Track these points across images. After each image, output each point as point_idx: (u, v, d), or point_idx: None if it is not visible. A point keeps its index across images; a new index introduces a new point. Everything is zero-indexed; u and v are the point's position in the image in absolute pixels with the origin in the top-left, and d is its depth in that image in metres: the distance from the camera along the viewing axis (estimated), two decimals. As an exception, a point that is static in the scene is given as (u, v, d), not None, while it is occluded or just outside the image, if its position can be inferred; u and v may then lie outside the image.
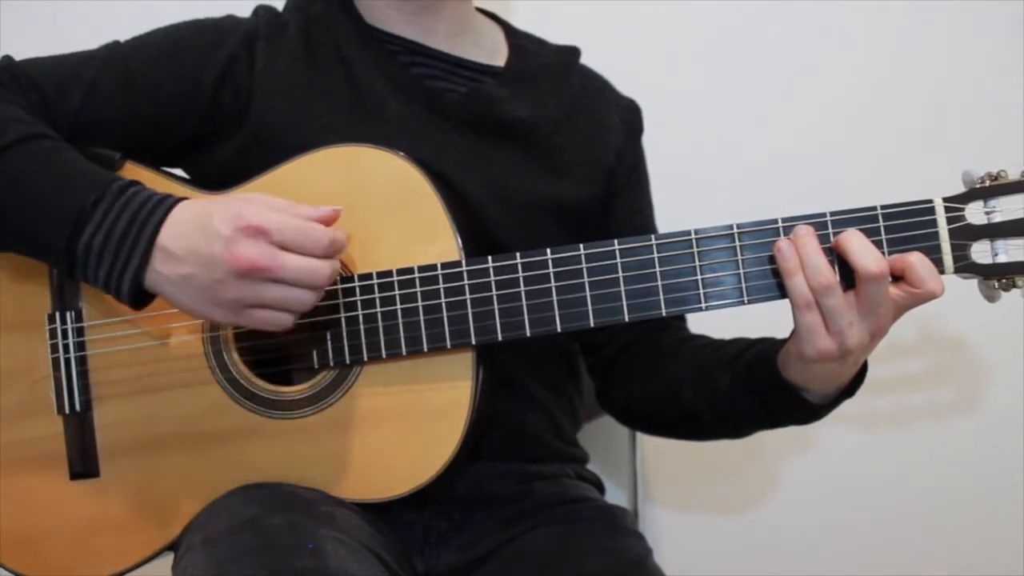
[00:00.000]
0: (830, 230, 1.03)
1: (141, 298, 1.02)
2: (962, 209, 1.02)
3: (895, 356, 1.75)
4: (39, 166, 1.04)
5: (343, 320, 1.08)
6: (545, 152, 1.25)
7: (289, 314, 1.01)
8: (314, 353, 1.09)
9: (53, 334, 1.14)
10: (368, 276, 1.08)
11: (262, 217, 0.97)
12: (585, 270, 1.06)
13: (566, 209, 1.24)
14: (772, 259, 1.03)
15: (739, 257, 1.04)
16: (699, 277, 1.05)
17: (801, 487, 1.83)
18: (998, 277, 1.02)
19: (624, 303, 1.05)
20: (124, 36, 1.19)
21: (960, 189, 1.04)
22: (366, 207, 1.09)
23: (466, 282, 1.07)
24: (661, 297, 1.05)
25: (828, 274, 0.99)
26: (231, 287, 0.98)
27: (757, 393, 1.13)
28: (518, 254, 1.07)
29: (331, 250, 1.00)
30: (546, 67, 1.30)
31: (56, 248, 1.02)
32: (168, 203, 1.01)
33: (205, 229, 0.98)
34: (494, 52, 1.30)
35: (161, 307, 1.08)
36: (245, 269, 0.96)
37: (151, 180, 1.15)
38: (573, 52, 1.35)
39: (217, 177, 1.15)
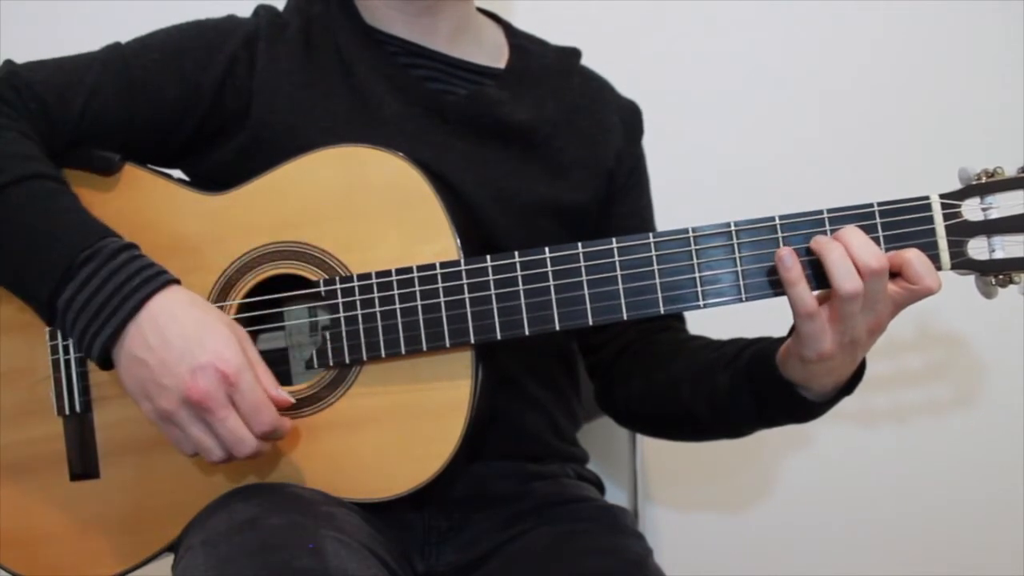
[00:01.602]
0: (827, 227, 1.03)
1: (110, 363, 1.03)
2: (959, 206, 1.02)
3: (893, 353, 1.75)
4: (35, 211, 1.04)
5: (342, 320, 1.08)
6: (545, 154, 1.25)
7: (193, 451, 1.03)
8: (313, 353, 1.10)
9: (53, 335, 1.14)
10: (367, 276, 1.08)
11: (238, 371, 1.00)
12: (583, 268, 1.06)
13: (566, 210, 1.24)
14: (770, 257, 1.03)
15: (736, 255, 1.04)
16: (697, 275, 1.05)
17: (801, 487, 1.83)
18: (995, 273, 1.02)
19: (622, 301, 1.06)
20: (124, 37, 1.19)
21: (957, 186, 1.04)
22: (365, 207, 1.09)
23: (465, 281, 1.07)
24: (659, 295, 1.05)
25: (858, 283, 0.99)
26: (171, 401, 1.00)
27: (756, 392, 1.13)
28: (516, 253, 1.07)
29: (266, 437, 1.03)
30: (546, 68, 1.30)
31: (39, 299, 1.03)
32: (159, 282, 1.02)
33: (188, 340, 1.00)
34: (494, 53, 1.30)
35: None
36: (195, 399, 0.99)
37: (151, 182, 1.15)
38: (573, 53, 1.35)
39: (217, 178, 1.15)
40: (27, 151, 1.08)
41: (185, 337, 1.00)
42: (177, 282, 1.04)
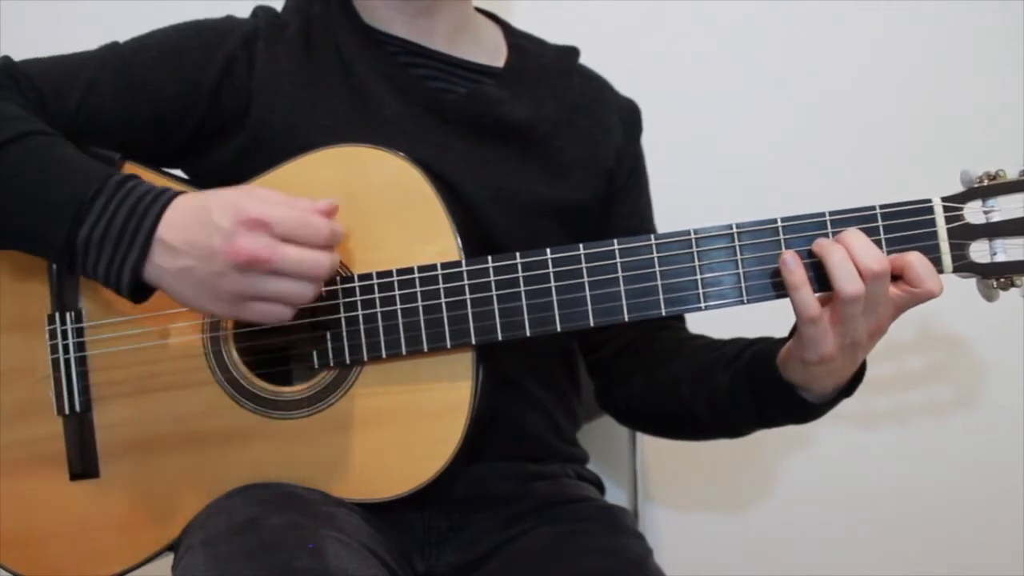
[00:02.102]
0: (829, 230, 1.03)
1: (140, 291, 1.02)
2: (960, 209, 1.03)
3: (894, 355, 1.75)
4: (36, 162, 1.04)
5: (343, 320, 1.08)
6: (544, 153, 1.25)
7: (289, 307, 1.01)
8: (314, 353, 1.10)
9: (53, 335, 1.14)
10: (368, 276, 1.08)
11: (262, 209, 0.97)
12: (585, 270, 1.06)
13: (565, 210, 1.24)
14: (771, 259, 1.03)
15: (738, 257, 1.04)
16: (698, 277, 1.05)
17: (801, 487, 1.83)
18: (996, 276, 1.02)
19: (624, 303, 1.06)
20: (124, 37, 1.19)
21: (959, 189, 1.04)
22: (366, 207, 1.09)
23: (466, 282, 1.07)
24: (660, 297, 1.05)
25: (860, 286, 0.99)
26: (231, 280, 0.98)
27: (756, 392, 1.13)
28: (518, 254, 1.07)
29: (331, 241, 1.00)
30: (545, 67, 1.30)
31: (55, 243, 1.01)
32: (167, 196, 1.01)
33: (204, 222, 0.98)
34: (494, 52, 1.30)
35: (161, 307, 1.08)
36: (245, 262, 0.96)
37: (150, 180, 1.15)
38: (572, 52, 1.35)
39: (217, 178, 1.15)
40: (22, 114, 1.08)
41: (201, 222, 0.98)
42: (183, 192, 1.03)
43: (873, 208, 1.03)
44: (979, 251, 1.02)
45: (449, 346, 1.07)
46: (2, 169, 1.04)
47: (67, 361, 1.13)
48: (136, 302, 1.03)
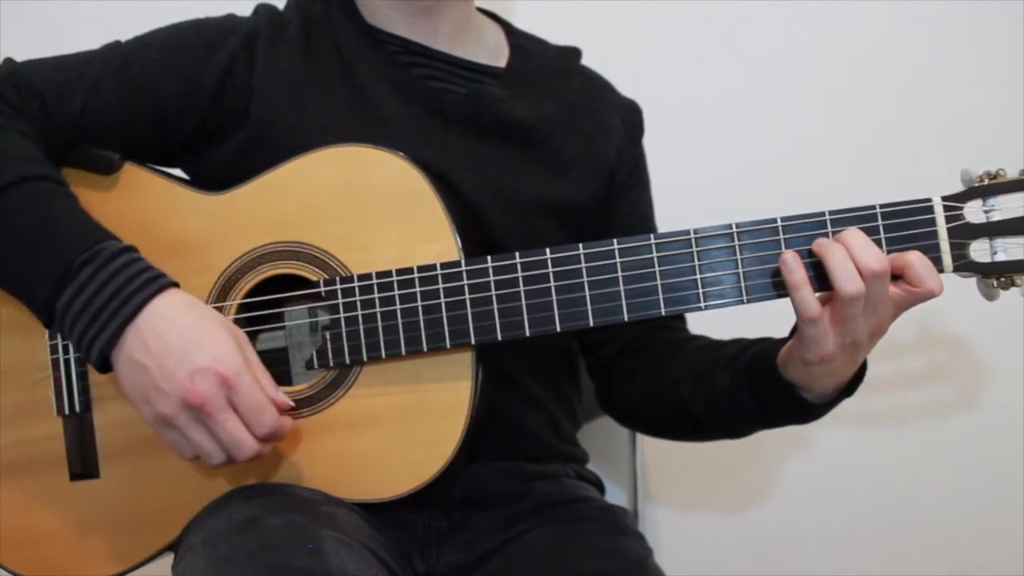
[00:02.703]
0: (829, 229, 1.03)
1: (108, 366, 1.03)
2: (961, 208, 1.02)
3: (894, 355, 1.75)
4: (34, 213, 1.04)
5: (342, 320, 1.08)
6: (545, 152, 1.25)
7: (192, 454, 1.03)
8: (313, 353, 1.09)
9: (53, 335, 1.14)
10: (367, 276, 1.08)
11: (237, 374, 0.99)
12: (584, 270, 1.06)
13: (566, 209, 1.24)
14: (771, 259, 1.03)
15: (738, 256, 1.04)
16: (698, 276, 1.05)
17: (801, 487, 1.83)
18: (997, 276, 1.02)
19: (623, 303, 1.05)
20: (124, 36, 1.19)
21: (959, 188, 1.04)
22: (365, 207, 1.09)
23: (465, 282, 1.07)
24: (660, 296, 1.05)
25: (860, 286, 0.99)
26: (171, 406, 1.00)
27: (757, 393, 1.13)
28: (517, 254, 1.07)
29: (267, 438, 1.02)
30: (546, 68, 1.30)
31: (37, 302, 1.03)
32: (157, 286, 1.02)
33: (186, 344, 0.99)
34: (495, 52, 1.30)
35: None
36: (193, 403, 0.98)
37: (151, 181, 1.15)
38: (574, 52, 1.35)
39: (217, 177, 1.15)
40: (26, 151, 1.08)
41: (184, 340, 0.99)
42: (176, 285, 1.03)
43: (873, 207, 1.03)
44: (979, 250, 1.02)
45: (449, 346, 1.07)
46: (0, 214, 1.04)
47: (67, 361, 1.13)
48: (103, 373, 1.04)
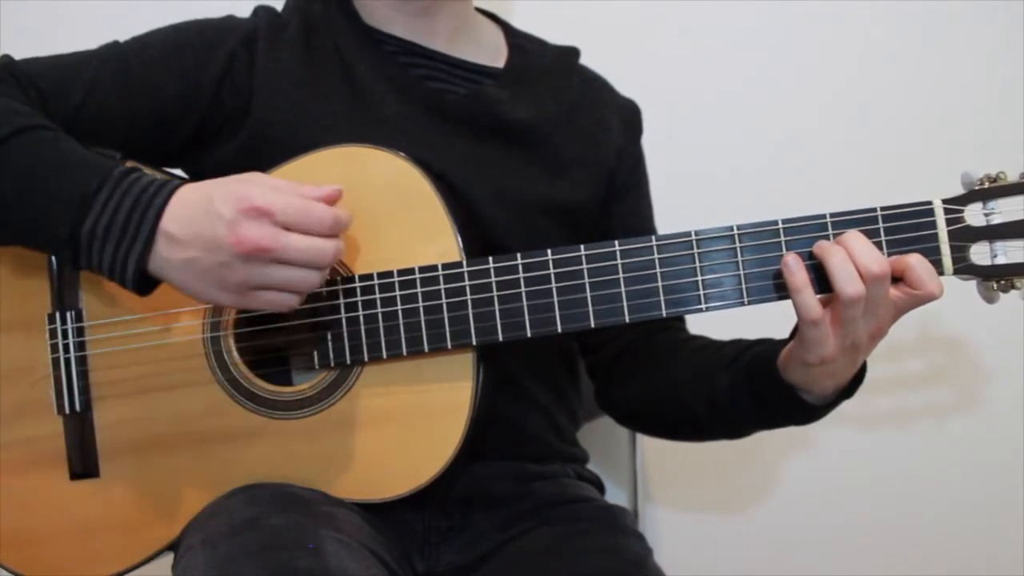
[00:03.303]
0: (830, 231, 1.03)
1: (145, 283, 1.02)
2: (961, 211, 1.03)
3: (894, 357, 1.75)
4: (39, 156, 1.04)
5: (344, 320, 1.08)
6: (545, 153, 1.25)
7: (295, 295, 1.01)
8: (315, 353, 1.10)
9: (53, 334, 1.14)
10: (369, 276, 1.08)
11: (265, 198, 0.97)
12: (586, 271, 1.06)
13: (566, 210, 1.24)
14: (772, 261, 1.04)
15: (739, 258, 1.04)
16: (699, 278, 1.05)
17: (801, 487, 1.83)
18: (997, 278, 1.03)
19: (625, 304, 1.06)
20: (124, 37, 1.19)
21: (959, 191, 1.04)
22: (366, 207, 1.09)
23: (467, 283, 1.07)
24: (661, 298, 1.05)
25: (860, 287, 1.00)
26: (236, 270, 0.98)
27: (757, 394, 1.13)
28: (519, 254, 1.07)
29: (335, 228, 1.00)
30: (545, 68, 1.30)
31: (60, 236, 1.01)
32: (170, 187, 1.01)
33: (207, 211, 0.98)
34: (494, 53, 1.30)
35: (162, 306, 1.08)
36: (249, 251, 0.96)
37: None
38: (573, 52, 1.35)
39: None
40: (24, 110, 1.08)
41: (205, 213, 0.98)
42: (186, 181, 1.03)
43: (874, 210, 1.03)
44: (979, 253, 1.03)
45: (450, 346, 1.07)
46: (4, 163, 1.04)
47: (67, 360, 1.13)
48: (142, 295, 1.03)
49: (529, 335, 1.06)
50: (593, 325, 1.06)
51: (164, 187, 1.01)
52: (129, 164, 1.10)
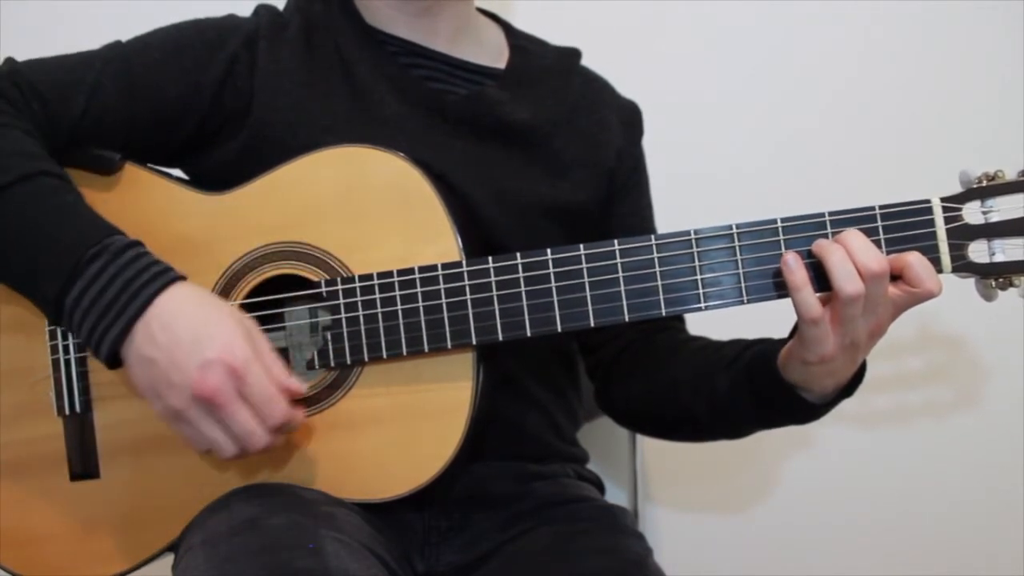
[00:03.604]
0: (829, 230, 1.03)
1: (119, 362, 1.03)
2: (959, 209, 1.03)
3: (894, 355, 1.75)
4: (40, 209, 1.04)
5: (344, 320, 1.08)
6: (545, 154, 1.25)
7: (206, 448, 1.03)
8: (315, 353, 1.10)
9: (53, 335, 1.14)
10: (368, 276, 1.08)
11: (246, 364, 0.99)
12: (585, 270, 1.06)
13: (566, 211, 1.24)
14: (771, 259, 1.04)
15: (738, 257, 1.05)
16: (699, 277, 1.05)
17: (801, 487, 1.83)
18: (995, 276, 1.03)
19: (624, 303, 1.06)
20: (125, 36, 1.19)
21: (958, 189, 1.04)
22: (366, 208, 1.09)
23: (467, 282, 1.07)
24: (661, 297, 1.05)
25: (859, 286, 1.00)
26: (181, 399, 0.99)
27: (756, 393, 1.13)
28: (518, 254, 1.07)
29: (278, 429, 1.02)
30: (546, 69, 1.30)
31: (45, 297, 1.03)
32: (166, 279, 1.01)
33: (195, 337, 0.99)
34: (495, 53, 1.30)
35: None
36: (204, 396, 0.98)
37: (152, 181, 1.15)
38: (573, 53, 1.35)
39: (218, 177, 1.15)
40: (30, 149, 1.08)
41: (192, 332, 0.99)
42: (183, 278, 1.03)
43: (873, 208, 1.03)
44: (978, 251, 1.03)
45: (450, 346, 1.07)
46: (5, 211, 1.04)
47: (67, 361, 1.13)
48: (112, 369, 1.04)
49: (529, 335, 1.07)
50: (593, 325, 1.06)
51: (160, 276, 1.01)
52: (130, 175, 1.11)
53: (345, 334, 1.08)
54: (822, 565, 1.81)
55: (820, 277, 1.01)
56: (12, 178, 1.04)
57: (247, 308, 1.12)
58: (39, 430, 1.14)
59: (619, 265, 1.06)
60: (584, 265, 1.06)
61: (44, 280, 1.02)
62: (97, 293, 1.00)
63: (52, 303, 1.02)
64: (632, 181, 1.35)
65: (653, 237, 1.06)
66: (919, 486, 1.80)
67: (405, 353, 1.07)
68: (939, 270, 1.02)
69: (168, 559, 1.12)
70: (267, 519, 1.01)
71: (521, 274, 1.07)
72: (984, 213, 1.02)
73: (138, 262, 1.01)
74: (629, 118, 1.36)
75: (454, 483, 1.17)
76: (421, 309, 1.07)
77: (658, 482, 1.83)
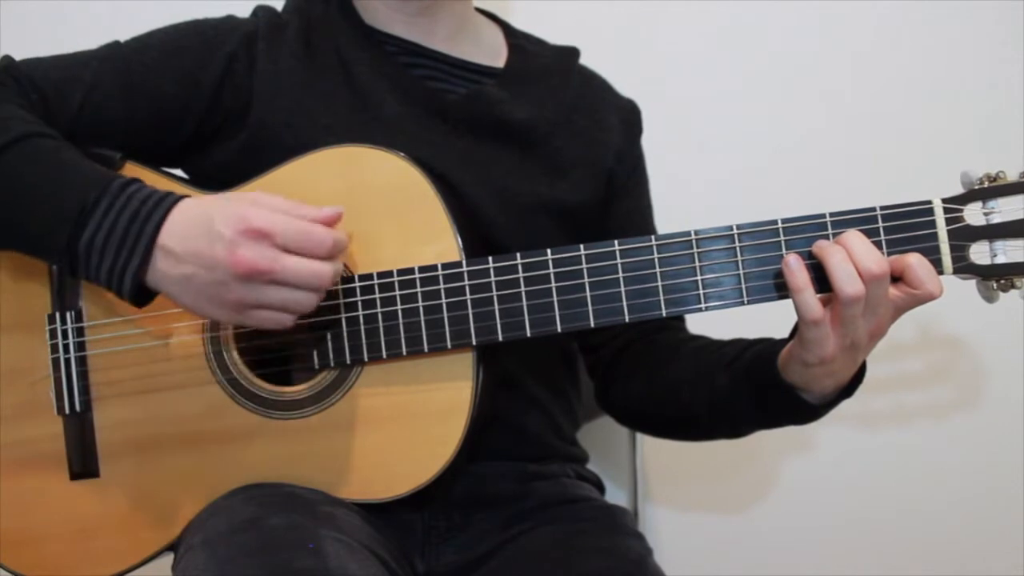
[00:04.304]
0: (830, 231, 1.03)
1: (142, 296, 1.03)
2: (961, 210, 1.03)
3: (894, 356, 1.75)
4: (39, 164, 1.04)
5: (343, 320, 1.08)
6: (544, 153, 1.25)
7: (290, 314, 1.01)
8: (315, 353, 1.10)
9: (53, 334, 1.14)
10: (368, 276, 1.08)
11: (265, 219, 0.98)
12: (585, 271, 1.06)
13: (565, 210, 1.24)
14: (772, 260, 1.04)
15: (739, 258, 1.05)
16: (699, 278, 1.05)
17: (801, 487, 1.83)
18: (997, 278, 1.03)
19: (624, 303, 1.06)
20: (124, 36, 1.19)
21: (959, 190, 1.04)
22: (366, 207, 1.09)
23: (467, 282, 1.07)
24: (661, 298, 1.05)
25: (860, 287, 1.00)
26: (232, 289, 0.98)
27: (756, 393, 1.13)
28: (518, 254, 1.07)
29: (333, 252, 1.00)
30: (545, 68, 1.30)
31: (58, 247, 1.02)
32: (169, 201, 1.01)
33: (207, 231, 0.98)
34: (493, 53, 1.30)
35: (161, 307, 1.08)
36: (246, 272, 0.97)
37: (151, 181, 1.14)
38: (572, 53, 1.35)
39: (217, 177, 1.15)
40: (24, 116, 1.08)
41: (206, 229, 0.98)
42: (187, 197, 1.03)
43: (873, 209, 1.03)
44: (979, 253, 1.03)
45: (450, 346, 1.07)
46: (4, 171, 1.04)
47: (67, 361, 1.13)
48: (138, 306, 1.04)
49: (529, 335, 1.07)
50: (593, 325, 1.06)
51: (163, 201, 1.01)
52: (128, 171, 1.11)
53: (345, 334, 1.08)
54: (822, 565, 1.81)
55: (820, 278, 1.01)
56: (9, 139, 1.04)
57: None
58: (39, 430, 1.14)
59: (619, 265, 1.06)
60: (584, 265, 1.06)
61: (53, 231, 1.01)
62: (108, 230, 1.00)
63: (65, 251, 1.01)
64: (631, 181, 1.35)
65: (653, 237, 1.06)
66: (919, 486, 1.80)
67: (405, 353, 1.07)
68: (940, 271, 1.02)
69: (168, 559, 1.12)
70: (267, 519, 1.00)
71: (521, 274, 1.07)
72: (986, 214, 1.02)
73: (140, 194, 1.02)
74: (628, 117, 1.36)
75: (454, 483, 1.17)
76: (421, 309, 1.07)
77: (658, 482, 1.83)
